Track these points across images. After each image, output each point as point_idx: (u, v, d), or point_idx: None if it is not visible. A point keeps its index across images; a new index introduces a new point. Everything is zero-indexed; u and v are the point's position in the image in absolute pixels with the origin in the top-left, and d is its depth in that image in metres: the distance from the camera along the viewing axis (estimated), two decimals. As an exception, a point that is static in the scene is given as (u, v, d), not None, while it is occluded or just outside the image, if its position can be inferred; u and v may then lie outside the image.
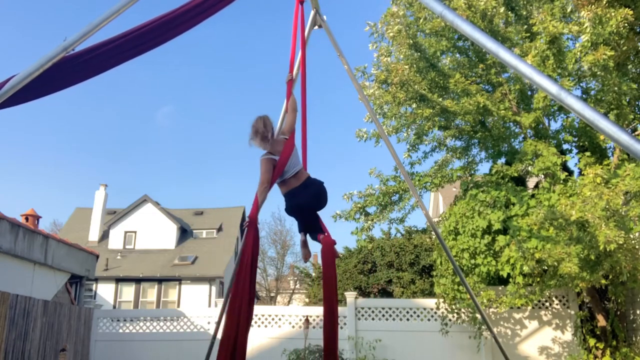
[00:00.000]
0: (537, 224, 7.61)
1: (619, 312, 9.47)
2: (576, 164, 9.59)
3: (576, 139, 9.45)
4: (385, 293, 15.15)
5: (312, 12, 5.37)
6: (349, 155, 57.34)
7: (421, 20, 9.41)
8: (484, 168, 22.04)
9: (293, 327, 11.72)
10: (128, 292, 21.95)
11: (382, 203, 10.54)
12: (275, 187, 4.25)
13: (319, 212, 4.38)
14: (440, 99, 9.30)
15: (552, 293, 10.54)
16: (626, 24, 7.39)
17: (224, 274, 22.01)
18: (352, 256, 16.25)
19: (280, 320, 11.86)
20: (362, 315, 11.48)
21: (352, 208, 10.66)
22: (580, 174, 8.81)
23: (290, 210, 4.25)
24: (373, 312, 11.51)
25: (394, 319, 11.41)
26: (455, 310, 10.07)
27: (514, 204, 8.79)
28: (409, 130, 10.39)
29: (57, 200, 55.50)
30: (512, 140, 9.64)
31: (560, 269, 7.51)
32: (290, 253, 38.14)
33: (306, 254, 4.54)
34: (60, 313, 10.61)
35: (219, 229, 25.92)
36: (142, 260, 23.03)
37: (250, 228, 4.01)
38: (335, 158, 50.17)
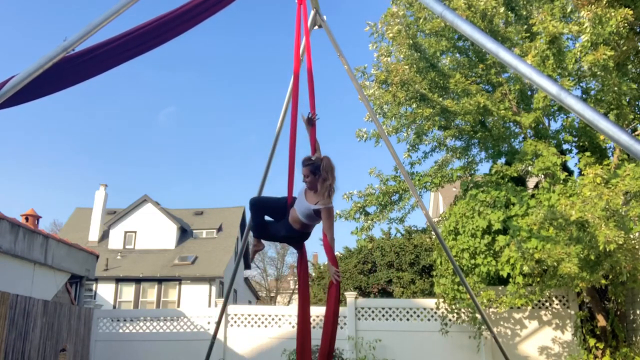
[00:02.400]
0: (537, 224, 7.61)
1: (619, 312, 9.47)
2: (576, 164, 9.59)
3: (576, 139, 9.45)
4: (385, 293, 15.15)
5: (312, 12, 5.38)
6: (349, 155, 57.36)
7: (421, 21, 9.41)
8: (484, 168, 22.05)
9: (293, 327, 11.70)
10: (128, 292, 21.94)
11: (382, 203, 10.54)
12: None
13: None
14: (441, 99, 9.30)
15: (552, 293, 10.53)
16: (626, 24, 7.39)
17: (224, 274, 22.01)
18: (352, 256, 16.25)
19: (280, 320, 11.86)
20: (362, 315, 11.48)
21: (352, 208, 10.66)
22: (580, 174, 8.81)
23: (302, 241, 4.52)
24: (373, 312, 11.51)
25: (394, 319, 11.40)
26: (455, 310, 10.07)
27: (514, 204, 8.79)
28: (409, 130, 10.39)
29: (57, 200, 55.58)
30: (512, 140, 9.64)
31: (560, 269, 7.51)
32: (290, 253, 38.18)
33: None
34: (60, 313, 10.60)
35: (219, 229, 25.91)
36: (142, 260, 23.02)
37: (337, 287, 4.05)
38: (335, 158, 50.07)
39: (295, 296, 37.15)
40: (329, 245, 4.05)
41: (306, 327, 4.32)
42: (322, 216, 4.08)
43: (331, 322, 4.01)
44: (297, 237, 4.40)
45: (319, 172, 4.10)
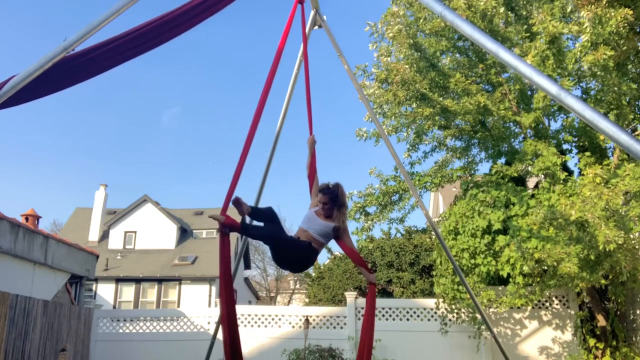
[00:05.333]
0: (537, 224, 7.61)
1: (619, 312, 9.47)
2: (576, 164, 9.59)
3: (576, 139, 9.45)
4: (385, 293, 15.15)
5: (312, 12, 5.39)
6: (349, 154, 57.37)
7: (421, 20, 9.41)
8: (484, 168, 22.03)
9: (293, 327, 11.71)
10: (128, 292, 21.93)
11: (382, 203, 10.54)
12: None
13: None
14: (441, 99, 9.30)
15: (552, 293, 10.54)
16: (626, 24, 7.38)
17: (224, 274, 21.98)
18: (352, 256, 16.24)
19: (280, 320, 11.85)
20: (363, 315, 11.45)
21: (352, 208, 10.65)
22: (580, 174, 8.81)
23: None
24: (373, 312, 11.49)
25: (394, 319, 11.40)
26: (455, 310, 10.07)
27: (514, 204, 8.79)
28: (409, 129, 10.39)
29: (57, 200, 55.51)
30: (512, 140, 9.64)
31: (560, 269, 7.51)
32: (290, 253, 37.98)
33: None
34: (60, 313, 10.60)
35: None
36: (142, 260, 23.02)
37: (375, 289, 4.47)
38: (336, 158, 50.17)
39: (296, 296, 37.12)
40: (361, 258, 4.53)
41: (233, 323, 3.94)
42: (342, 233, 4.37)
43: (371, 321, 4.41)
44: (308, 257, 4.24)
45: (338, 200, 4.31)
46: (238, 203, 3.99)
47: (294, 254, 4.10)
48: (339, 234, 4.34)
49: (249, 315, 11.96)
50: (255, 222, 4.22)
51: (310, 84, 5.25)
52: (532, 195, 8.87)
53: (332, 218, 4.31)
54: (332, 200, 4.28)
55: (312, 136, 5.05)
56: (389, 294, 15.03)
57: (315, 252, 4.17)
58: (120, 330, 12.08)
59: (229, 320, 3.83)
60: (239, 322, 11.73)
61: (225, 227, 3.84)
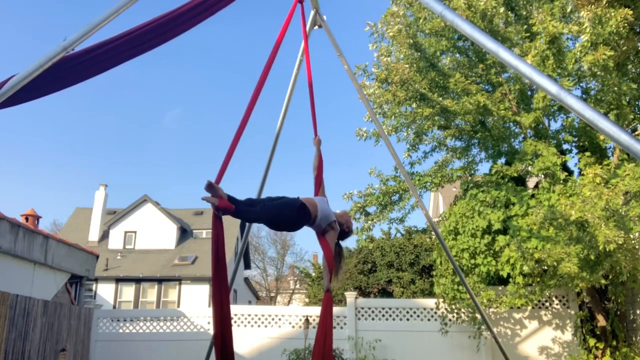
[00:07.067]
0: (537, 224, 7.61)
1: (619, 312, 9.47)
2: (576, 164, 9.59)
3: (576, 139, 9.45)
4: (385, 293, 15.16)
5: (312, 12, 5.40)
6: (349, 154, 57.38)
7: (421, 20, 9.41)
8: (484, 168, 22.09)
9: (293, 327, 11.72)
10: (128, 292, 21.94)
11: (382, 203, 10.54)
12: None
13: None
14: (440, 99, 9.30)
15: (552, 293, 10.54)
16: (626, 24, 7.38)
17: (224, 274, 21.97)
18: (352, 256, 16.26)
19: (280, 320, 11.86)
20: (362, 315, 11.48)
21: (352, 208, 10.65)
22: (580, 174, 8.81)
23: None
24: (373, 312, 11.51)
25: (394, 319, 11.40)
26: (455, 310, 10.07)
27: (514, 204, 8.79)
28: (409, 129, 10.39)
29: (57, 200, 55.52)
30: (512, 140, 9.64)
31: (560, 269, 7.51)
32: (290, 253, 38.22)
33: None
34: (60, 313, 10.60)
35: (219, 229, 25.87)
36: (142, 260, 23.02)
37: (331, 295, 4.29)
38: (336, 158, 50.17)
39: (295, 296, 37.12)
40: (332, 265, 4.31)
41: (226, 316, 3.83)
42: (330, 230, 4.33)
43: (329, 327, 4.11)
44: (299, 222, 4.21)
45: (349, 233, 4.54)
46: (211, 187, 3.74)
47: (289, 218, 4.08)
48: (328, 230, 4.30)
49: (249, 315, 11.96)
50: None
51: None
52: (532, 195, 8.87)
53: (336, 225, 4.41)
54: (348, 232, 4.52)
55: (318, 137, 5.08)
56: (389, 294, 15.04)
57: (307, 213, 4.11)
58: (120, 330, 12.08)
59: (222, 315, 3.69)
60: (239, 322, 11.83)
61: (219, 210, 3.72)
